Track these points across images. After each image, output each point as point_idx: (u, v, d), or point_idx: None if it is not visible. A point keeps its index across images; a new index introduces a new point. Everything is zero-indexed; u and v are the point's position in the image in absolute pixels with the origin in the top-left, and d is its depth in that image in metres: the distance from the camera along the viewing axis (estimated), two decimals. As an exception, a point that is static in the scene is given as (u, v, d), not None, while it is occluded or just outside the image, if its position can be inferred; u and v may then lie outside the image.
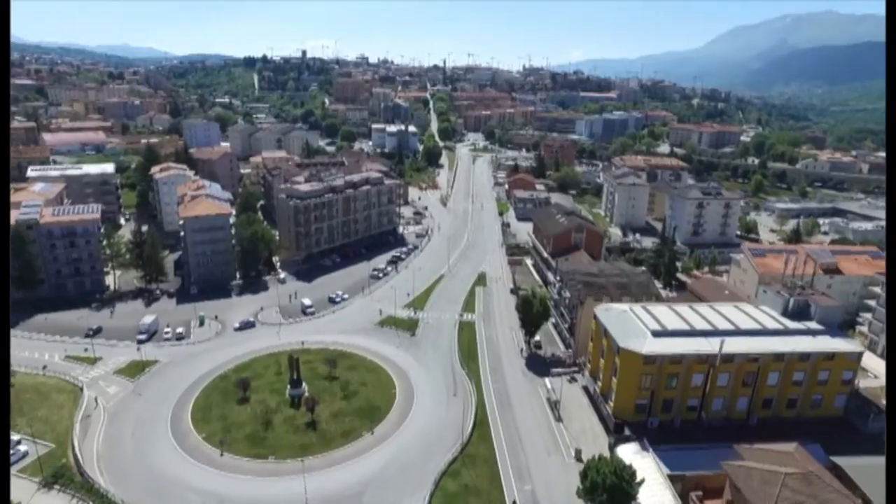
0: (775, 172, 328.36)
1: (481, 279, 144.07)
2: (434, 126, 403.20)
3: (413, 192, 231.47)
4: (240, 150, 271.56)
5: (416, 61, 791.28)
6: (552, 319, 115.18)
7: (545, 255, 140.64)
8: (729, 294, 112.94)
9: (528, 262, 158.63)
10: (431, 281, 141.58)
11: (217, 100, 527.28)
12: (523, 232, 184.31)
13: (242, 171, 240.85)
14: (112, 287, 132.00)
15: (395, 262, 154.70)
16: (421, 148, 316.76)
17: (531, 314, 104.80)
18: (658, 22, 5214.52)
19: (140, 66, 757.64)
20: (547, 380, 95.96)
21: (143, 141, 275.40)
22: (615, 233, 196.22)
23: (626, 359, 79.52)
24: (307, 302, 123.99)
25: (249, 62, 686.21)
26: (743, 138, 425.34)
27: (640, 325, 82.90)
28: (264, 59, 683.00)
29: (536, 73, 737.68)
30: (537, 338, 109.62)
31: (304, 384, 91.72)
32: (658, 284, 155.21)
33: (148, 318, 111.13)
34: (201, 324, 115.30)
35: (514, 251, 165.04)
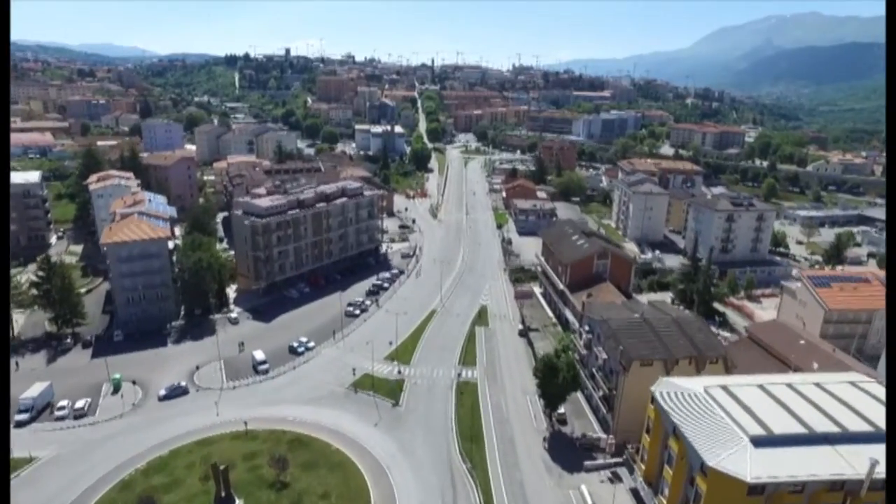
0: (787, 175, 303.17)
1: (482, 316, 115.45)
2: (422, 126, 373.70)
3: (399, 201, 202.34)
4: (207, 153, 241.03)
5: (404, 59, 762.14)
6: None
7: (560, 286, 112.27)
8: (806, 345, 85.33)
9: (537, 289, 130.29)
10: (420, 319, 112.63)
11: (195, 99, 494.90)
12: (527, 249, 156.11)
13: (208, 177, 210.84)
14: (12, 333, 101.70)
15: (375, 292, 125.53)
16: (408, 150, 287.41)
17: (555, 384, 76.31)
18: (645, 22, 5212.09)
19: (120, 65, 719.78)
20: (583, 485, 67.55)
21: (99, 143, 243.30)
22: (630, 248, 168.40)
23: (717, 484, 51.29)
24: (259, 356, 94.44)
25: (231, 60, 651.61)
26: (745, 139, 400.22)
27: (729, 425, 54.72)
28: (246, 57, 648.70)
29: (527, 71, 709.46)
30: (561, 409, 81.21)
31: (237, 502, 62.68)
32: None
33: (35, 388, 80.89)
34: (115, 390, 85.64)
35: (519, 276, 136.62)
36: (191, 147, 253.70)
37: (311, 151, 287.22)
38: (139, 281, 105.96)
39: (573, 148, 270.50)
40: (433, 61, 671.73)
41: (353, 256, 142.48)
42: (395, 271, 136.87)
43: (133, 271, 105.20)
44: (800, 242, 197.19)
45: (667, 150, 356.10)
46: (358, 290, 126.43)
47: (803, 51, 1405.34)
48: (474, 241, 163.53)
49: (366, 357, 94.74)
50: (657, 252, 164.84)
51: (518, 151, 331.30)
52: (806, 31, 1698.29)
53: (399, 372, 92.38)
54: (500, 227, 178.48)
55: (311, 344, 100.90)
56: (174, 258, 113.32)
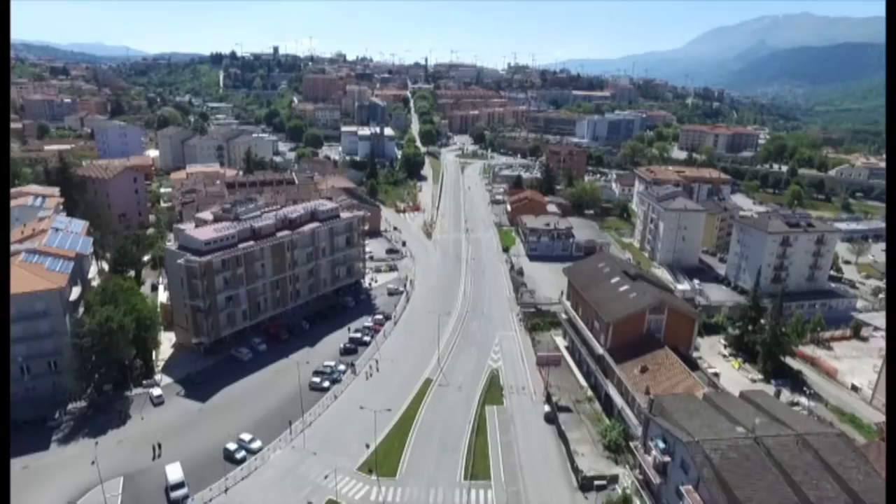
0: (811, 181, 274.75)
1: (493, 388, 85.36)
2: (415, 128, 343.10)
3: (388, 216, 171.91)
4: (171, 160, 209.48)
5: (397, 58, 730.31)
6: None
7: (598, 349, 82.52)
8: None
9: (561, 341, 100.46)
10: (410, 396, 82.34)
11: (176, 99, 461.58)
12: (542, 280, 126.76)
13: (166, 189, 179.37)
14: None
15: (352, 350, 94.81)
16: (399, 154, 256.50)
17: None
18: (638, 22, 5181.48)
19: (104, 64, 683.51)
20: None
21: (49, 147, 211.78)
22: (662, 276, 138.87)
23: None
24: (175, 475, 63.11)
25: (216, 59, 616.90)
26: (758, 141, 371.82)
27: None
28: (233, 55, 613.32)
29: (523, 70, 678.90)
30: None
31: None
32: (746, 375, 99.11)
33: None
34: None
35: (537, 322, 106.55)
36: (153, 153, 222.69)
37: (294, 156, 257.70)
38: (19, 349, 75.16)
39: (583, 153, 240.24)
40: (427, 60, 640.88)
41: (328, 295, 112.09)
42: (378, 316, 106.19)
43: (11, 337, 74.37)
44: (847, 262, 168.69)
45: (677, 153, 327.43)
46: (330, 346, 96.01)
47: (797, 51, 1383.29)
48: (477, 270, 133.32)
49: (332, 465, 64.38)
50: (696, 282, 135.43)
51: (518, 155, 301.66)
52: (799, 32, 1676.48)
53: (378, 491, 61.98)
54: (506, 249, 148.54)
55: (257, 444, 70.33)
56: (80, 314, 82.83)
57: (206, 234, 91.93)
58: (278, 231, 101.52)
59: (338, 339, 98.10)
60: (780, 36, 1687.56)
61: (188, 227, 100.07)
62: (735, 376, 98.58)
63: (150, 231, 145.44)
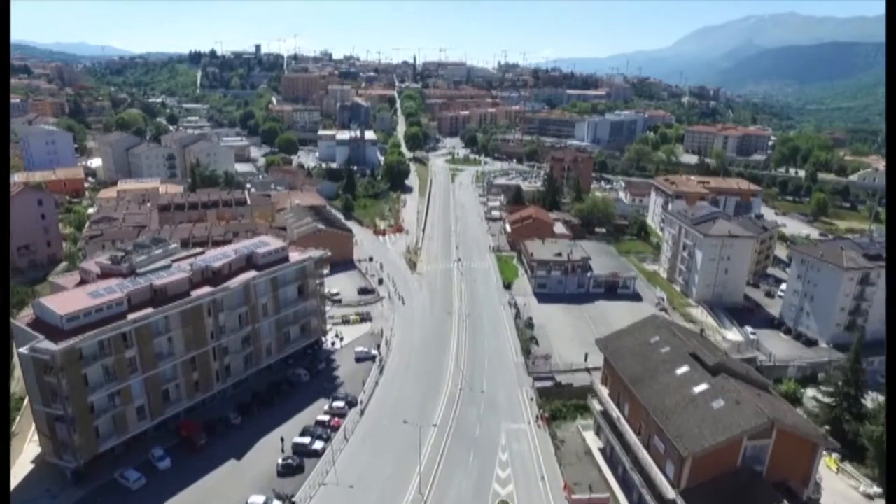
0: (835, 188, 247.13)
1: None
2: (401, 130, 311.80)
3: (364, 240, 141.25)
4: (114, 171, 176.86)
5: (384, 56, 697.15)
6: None
7: (667, 491, 52.27)
8: None
9: (592, 440, 70.38)
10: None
11: (150, 99, 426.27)
12: (557, 332, 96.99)
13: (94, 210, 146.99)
14: None
15: (297, 468, 63.69)
16: (383, 160, 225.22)
17: None
18: (626, 21, 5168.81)
19: (80, 63, 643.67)
20: None
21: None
22: (701, 318, 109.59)
23: None
24: None
25: (195, 58, 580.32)
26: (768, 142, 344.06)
27: None
28: (212, 54, 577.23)
29: (514, 69, 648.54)
30: None
31: None
32: (853, 484, 69.69)
33: None
34: None
35: (558, 407, 76.26)
36: (97, 162, 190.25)
37: (263, 163, 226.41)
38: None
39: (590, 159, 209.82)
40: (415, 58, 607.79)
41: (274, 367, 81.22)
42: (339, 403, 75.05)
43: None
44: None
45: (686, 157, 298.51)
46: (266, 457, 64.98)
47: (785, 50, 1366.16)
48: (473, 320, 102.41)
49: None
50: (749, 330, 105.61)
51: (514, 160, 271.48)
52: (785, 31, 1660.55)
53: None
54: (508, 286, 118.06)
55: None
56: None
57: (71, 302, 60.60)
58: (194, 288, 70.37)
59: (272, 450, 66.74)
60: (768, 35, 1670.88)
61: (68, 282, 69.31)
62: (837, 486, 69.19)
63: (63, 266, 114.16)
